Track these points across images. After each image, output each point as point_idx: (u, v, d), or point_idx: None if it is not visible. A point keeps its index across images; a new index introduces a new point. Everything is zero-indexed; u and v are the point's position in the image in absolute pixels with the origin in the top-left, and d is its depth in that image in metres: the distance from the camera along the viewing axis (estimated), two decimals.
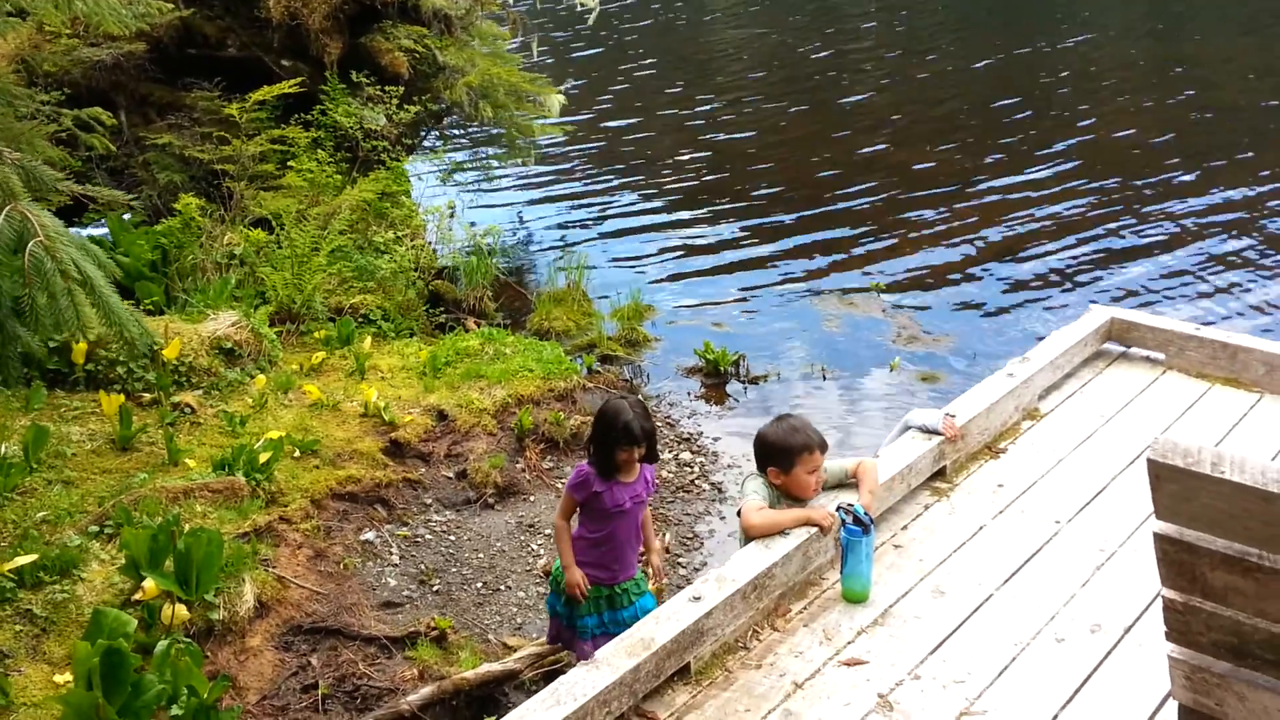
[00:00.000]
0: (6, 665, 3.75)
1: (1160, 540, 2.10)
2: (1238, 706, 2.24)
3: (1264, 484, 1.88)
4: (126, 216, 7.51)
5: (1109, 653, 3.39)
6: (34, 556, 4.13)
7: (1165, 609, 2.18)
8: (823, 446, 3.83)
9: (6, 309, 3.12)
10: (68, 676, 3.72)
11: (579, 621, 4.02)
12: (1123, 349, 5.55)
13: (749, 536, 3.76)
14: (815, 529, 3.76)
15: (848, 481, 3.99)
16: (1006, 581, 3.77)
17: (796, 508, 3.86)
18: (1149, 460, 1.98)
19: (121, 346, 3.97)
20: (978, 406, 4.62)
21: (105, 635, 3.57)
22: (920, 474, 4.32)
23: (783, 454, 3.81)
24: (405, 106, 8.72)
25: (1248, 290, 8.69)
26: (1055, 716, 3.13)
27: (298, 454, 5.56)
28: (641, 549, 4.14)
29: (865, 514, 3.65)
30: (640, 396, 7.36)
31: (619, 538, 3.96)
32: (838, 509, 3.72)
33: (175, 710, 3.56)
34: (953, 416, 4.47)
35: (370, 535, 5.38)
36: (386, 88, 8.71)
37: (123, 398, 5.40)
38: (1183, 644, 2.23)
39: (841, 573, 3.74)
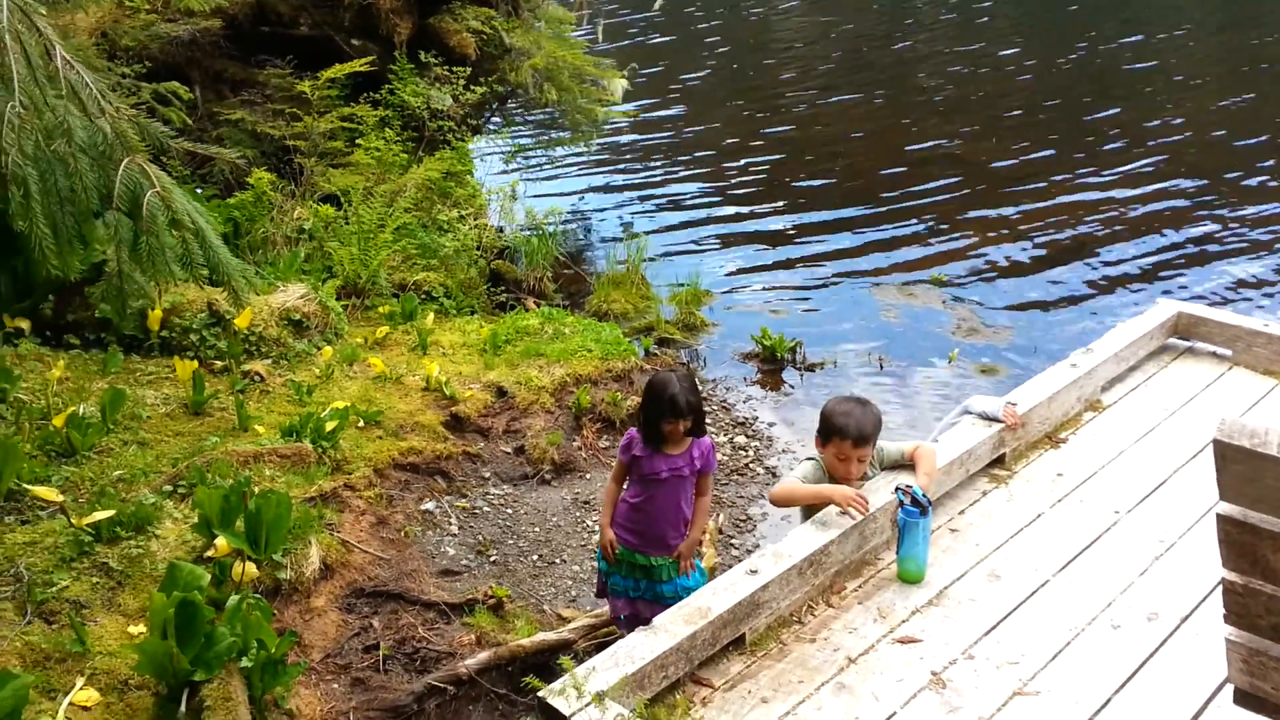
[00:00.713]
0: (84, 615, 3.89)
1: (1223, 522, 2.11)
2: None
3: None
4: (199, 189, 7.70)
5: (1165, 641, 3.39)
6: (111, 512, 4.28)
7: (1225, 591, 2.19)
8: (858, 440, 3.81)
9: (126, 255, 3.25)
10: (142, 628, 3.86)
11: (610, 580, 4.14)
12: (1189, 344, 5.49)
13: (775, 503, 3.96)
14: (869, 512, 3.79)
15: (904, 463, 4.01)
16: (1063, 568, 3.78)
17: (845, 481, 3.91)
18: (1215, 441, 1.99)
19: (229, 295, 4.10)
20: (1039, 396, 4.61)
21: (180, 588, 3.70)
22: (979, 460, 4.33)
23: (825, 429, 3.89)
24: (471, 87, 8.83)
25: None
26: (1109, 700, 3.15)
27: (362, 424, 5.69)
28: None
29: (923, 495, 3.68)
30: (695, 378, 7.44)
31: (654, 508, 3.99)
32: (896, 490, 3.75)
33: (245, 662, 3.68)
34: (1014, 405, 4.47)
35: (430, 505, 5.50)
36: (454, 68, 8.82)
37: (196, 364, 5.56)
38: (1241, 627, 2.24)
39: (898, 553, 3.77)
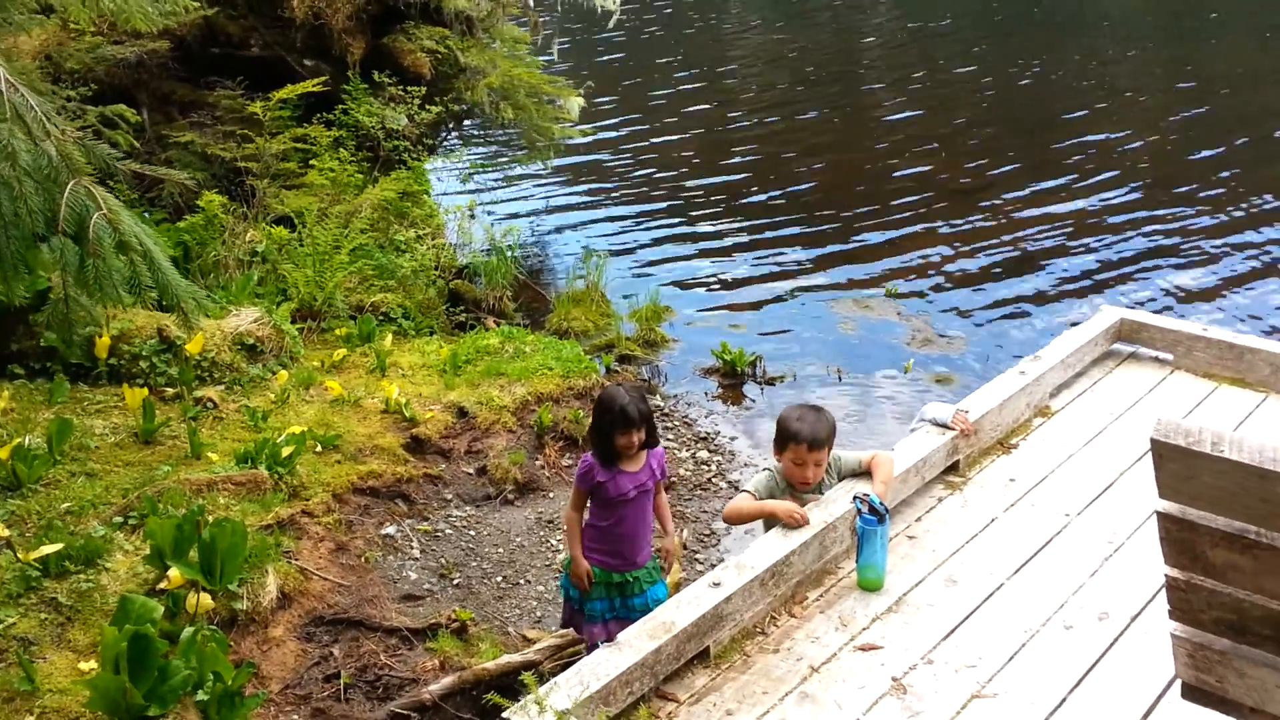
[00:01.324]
0: (32, 652, 3.82)
1: (1163, 519, 2.14)
2: (1238, 683, 2.28)
3: (1261, 462, 1.92)
4: (147, 214, 7.62)
5: (1116, 639, 3.45)
6: (59, 546, 4.20)
7: (1168, 587, 2.23)
8: (813, 444, 3.85)
9: (72, 280, 3.21)
10: (93, 664, 3.79)
11: (588, 605, 4.10)
12: (1132, 349, 5.60)
13: (727, 522, 4.04)
14: (828, 522, 3.82)
15: (862, 472, 4.05)
16: (1017, 571, 3.84)
17: (785, 499, 3.95)
18: (1152, 440, 2.03)
19: (179, 319, 4.04)
20: (990, 403, 4.68)
21: (132, 621, 3.65)
22: (934, 467, 4.38)
23: (780, 437, 3.93)
24: (427, 107, 8.82)
25: (1255, 295, 8.72)
26: (1064, 699, 3.19)
27: (319, 449, 5.64)
28: (657, 534, 4.20)
29: (880, 503, 3.71)
30: (650, 390, 7.46)
31: (627, 526, 4.01)
32: (854, 499, 3.78)
33: (201, 695, 3.63)
34: (965, 412, 4.53)
35: (391, 529, 5.46)
36: (408, 88, 8.81)
37: (146, 391, 5.48)
38: (1185, 622, 2.28)
39: (857, 562, 3.80)
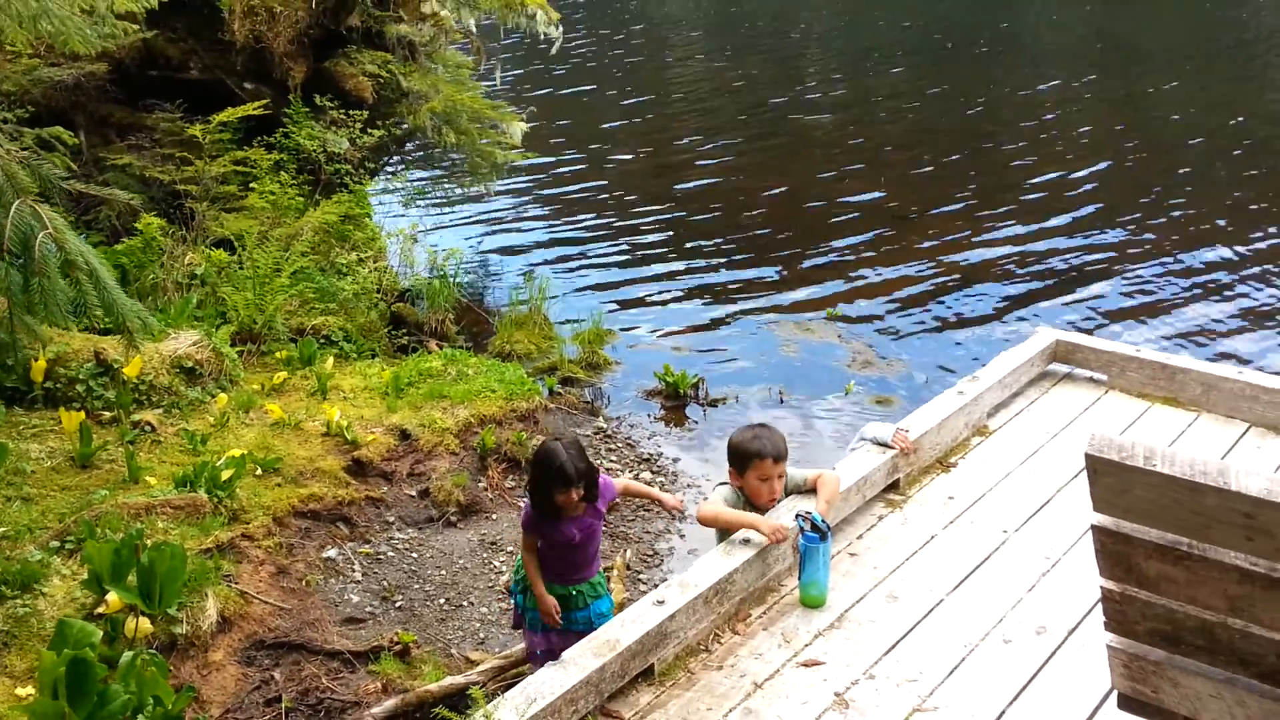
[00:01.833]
0: None
1: (1098, 533, 2.21)
2: (1172, 692, 2.35)
3: (1192, 475, 1.99)
4: (83, 236, 7.49)
5: (1054, 652, 3.53)
6: None
7: (1104, 599, 2.30)
8: (777, 457, 3.94)
9: (17, 300, 3.16)
10: (30, 689, 3.72)
11: (529, 614, 4.07)
12: (1067, 369, 5.75)
13: (701, 523, 4.01)
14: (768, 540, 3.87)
15: (806, 490, 4.11)
16: (957, 587, 3.91)
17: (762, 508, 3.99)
18: (1087, 455, 2.09)
19: (124, 338, 3.99)
20: (930, 422, 4.77)
21: (70, 645, 3.58)
22: (875, 486, 4.45)
23: (740, 458, 3.97)
24: (369, 131, 8.80)
25: (1186, 315, 9.02)
26: (1003, 712, 3.26)
27: (260, 472, 5.58)
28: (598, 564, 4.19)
29: (823, 521, 3.77)
30: (593, 412, 7.47)
31: (574, 558, 3.97)
32: (796, 516, 3.83)
33: None
34: (905, 431, 4.62)
35: (333, 552, 5.41)
36: (350, 112, 8.78)
37: (83, 415, 5.39)
38: (1120, 633, 2.35)
39: (800, 579, 3.85)
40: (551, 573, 4.02)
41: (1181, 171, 12.93)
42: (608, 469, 6.61)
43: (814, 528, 3.75)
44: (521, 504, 6.02)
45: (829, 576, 3.85)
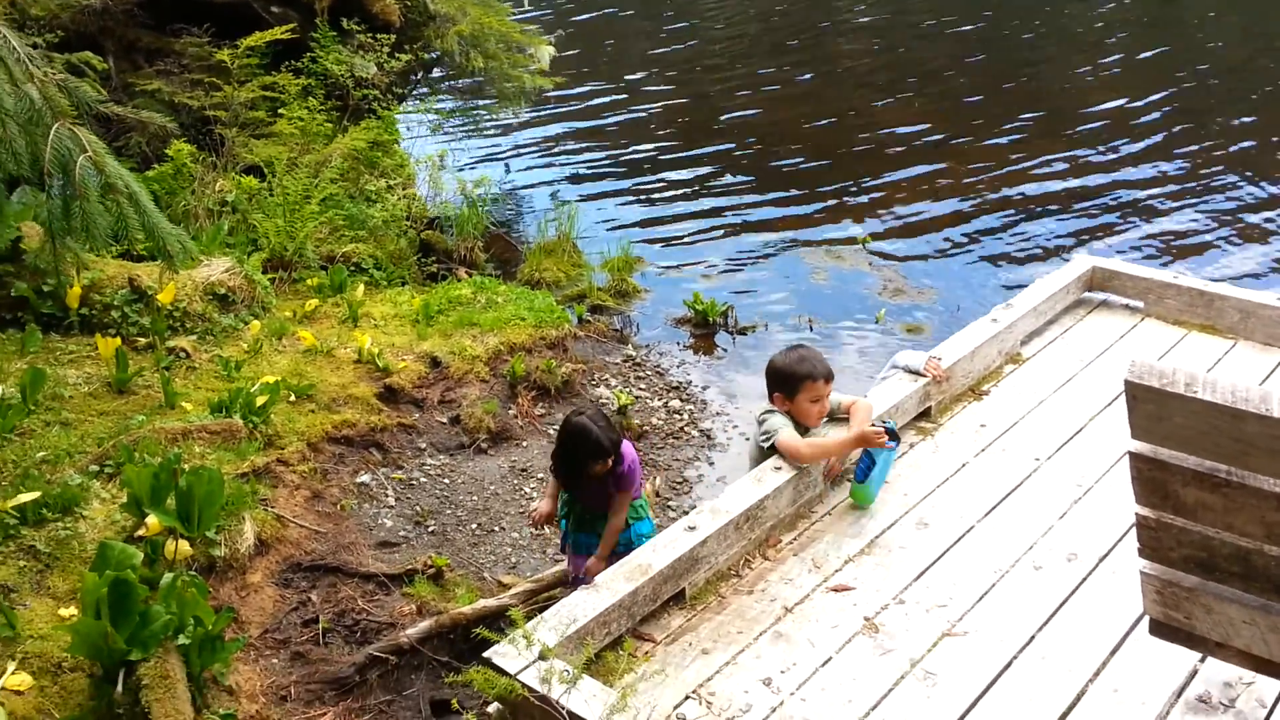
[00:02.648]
0: (11, 599, 3.82)
1: (1135, 459, 2.19)
2: (1204, 618, 2.35)
3: (1233, 402, 1.96)
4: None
5: (1084, 579, 3.53)
6: (36, 494, 4.20)
7: (1138, 526, 2.29)
8: (828, 377, 3.95)
9: (59, 224, 3.17)
10: (73, 610, 3.81)
11: (571, 538, 4.16)
12: (1103, 297, 5.66)
13: (795, 458, 3.86)
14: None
15: (840, 416, 4.11)
16: (988, 514, 3.91)
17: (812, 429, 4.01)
18: (1126, 381, 2.06)
19: (164, 262, 4.01)
20: (962, 350, 4.73)
21: (112, 567, 3.65)
22: (907, 414, 4.43)
23: (788, 381, 3.94)
24: (396, 55, 8.70)
25: (1226, 242, 8.84)
26: (1033, 637, 3.28)
27: (293, 398, 5.63)
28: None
29: (893, 424, 3.85)
30: (622, 339, 7.47)
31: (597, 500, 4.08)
32: (881, 422, 3.92)
33: (182, 640, 3.64)
34: (938, 359, 4.58)
35: (366, 478, 5.47)
36: (377, 35, 8.68)
37: (118, 341, 5.44)
38: (1154, 560, 2.34)
39: (857, 478, 3.91)
40: (594, 499, 4.07)
41: (1230, 98, 12.57)
42: (637, 397, 6.63)
43: (890, 435, 3.81)
44: (551, 431, 6.10)
45: (883, 482, 3.95)
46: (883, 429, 3.84)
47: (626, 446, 4.00)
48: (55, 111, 3.21)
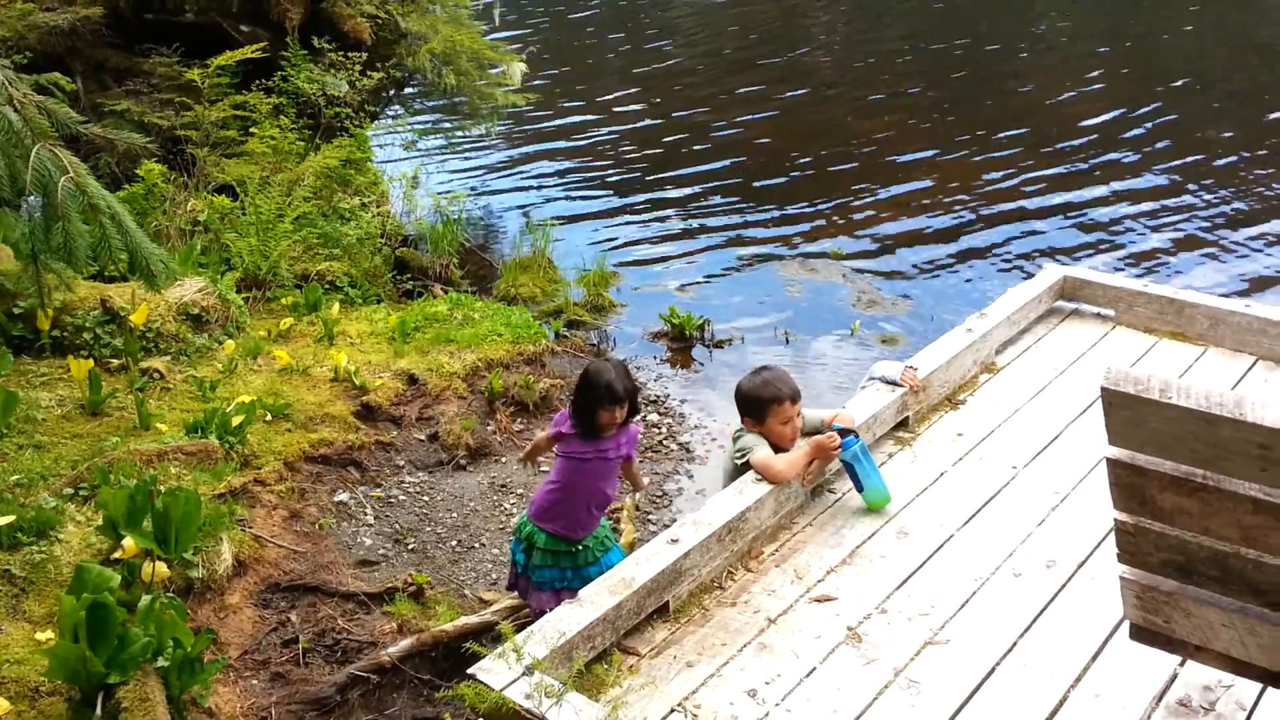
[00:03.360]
0: None
1: (1112, 465, 2.22)
2: (1184, 622, 2.38)
3: (1207, 407, 1.99)
4: None
5: (1064, 586, 3.57)
6: (10, 518, 4.14)
7: (1117, 531, 2.31)
8: (794, 397, 3.96)
9: (40, 243, 3.15)
10: (50, 634, 3.76)
11: (536, 574, 4.08)
12: (1075, 306, 5.74)
13: (768, 477, 3.89)
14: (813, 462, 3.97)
15: (821, 431, 4.13)
16: (967, 523, 3.94)
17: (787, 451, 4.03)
18: (1102, 388, 2.09)
19: (145, 282, 3.99)
20: (938, 360, 4.78)
21: (89, 590, 3.61)
22: (885, 424, 4.47)
23: (755, 406, 3.96)
24: (368, 73, 8.70)
25: (1194, 250, 8.97)
26: (1015, 644, 3.30)
27: (269, 418, 5.60)
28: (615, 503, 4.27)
29: (841, 428, 3.91)
30: (599, 354, 7.48)
31: (577, 492, 4.02)
32: (830, 431, 3.96)
33: (161, 662, 3.60)
34: (914, 368, 4.63)
35: (344, 496, 5.45)
36: (349, 54, 8.68)
37: (91, 363, 5.39)
38: (1133, 564, 2.37)
39: (860, 489, 3.95)
40: (555, 520, 4.04)
41: (1192, 108, 12.78)
42: None
43: (842, 434, 3.89)
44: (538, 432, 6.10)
45: (880, 475, 3.99)
46: (833, 433, 3.91)
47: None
48: (35, 133, 3.20)
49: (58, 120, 3.54)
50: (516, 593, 4.36)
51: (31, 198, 3.16)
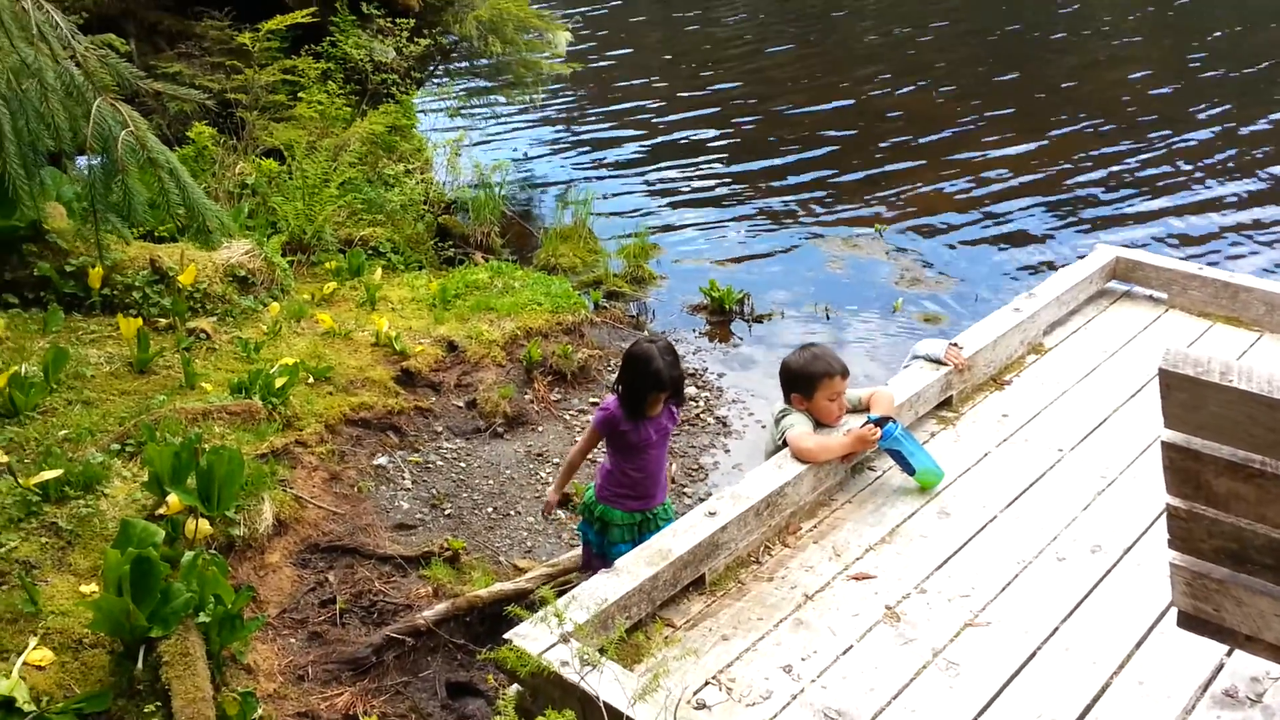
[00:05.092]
0: (34, 575, 3.84)
1: (1167, 449, 2.16)
2: (1235, 611, 2.32)
3: (1270, 391, 1.93)
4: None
5: (1109, 571, 3.50)
6: (58, 472, 4.21)
7: (1169, 517, 2.26)
8: (844, 373, 3.93)
9: (101, 198, 3.17)
10: (94, 587, 3.82)
11: (612, 550, 4.06)
12: (1126, 287, 5.63)
13: (806, 463, 3.83)
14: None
15: (860, 408, 4.09)
16: (1010, 504, 3.88)
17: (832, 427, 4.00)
18: (1160, 369, 2.04)
19: (200, 238, 4.01)
20: (984, 340, 4.70)
21: (134, 544, 3.67)
22: (928, 402, 4.41)
23: (804, 381, 3.92)
24: (415, 39, 8.70)
25: (1250, 233, 8.77)
26: (1057, 628, 3.25)
27: (312, 380, 5.64)
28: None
29: (878, 416, 3.87)
30: (638, 326, 7.46)
31: (650, 467, 4.04)
32: (865, 423, 3.91)
33: (202, 618, 3.66)
34: (959, 346, 4.56)
35: (383, 460, 5.48)
36: (396, 20, 8.69)
37: (140, 322, 5.46)
38: (1184, 551, 2.31)
39: (910, 472, 3.92)
40: (627, 495, 4.04)
41: (1247, 82, 12.46)
42: None
43: (879, 423, 3.84)
44: (566, 416, 6.10)
45: (927, 453, 3.94)
46: (871, 425, 3.87)
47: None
48: (96, 87, 3.20)
49: (120, 75, 3.54)
50: (590, 572, 4.36)
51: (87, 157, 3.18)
